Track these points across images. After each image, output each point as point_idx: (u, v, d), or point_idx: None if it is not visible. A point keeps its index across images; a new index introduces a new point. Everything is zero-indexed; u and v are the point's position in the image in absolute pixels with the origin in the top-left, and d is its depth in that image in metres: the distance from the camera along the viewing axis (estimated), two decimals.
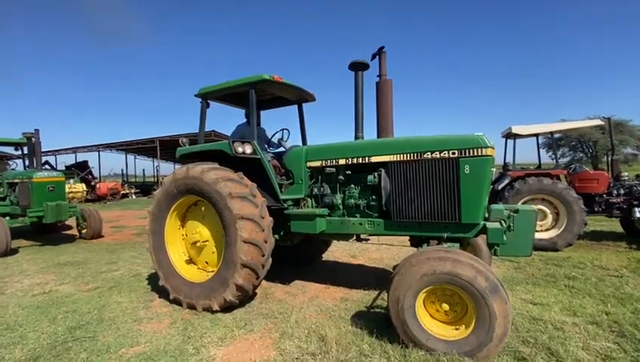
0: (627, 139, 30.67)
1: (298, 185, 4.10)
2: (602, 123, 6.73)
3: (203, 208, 3.95)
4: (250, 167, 3.94)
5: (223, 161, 3.93)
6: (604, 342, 2.77)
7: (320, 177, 4.06)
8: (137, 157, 34.76)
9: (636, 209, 6.06)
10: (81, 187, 18.73)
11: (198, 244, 3.88)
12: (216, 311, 3.59)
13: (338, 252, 6.24)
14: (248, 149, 3.86)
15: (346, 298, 4.01)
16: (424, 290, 2.68)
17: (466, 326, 2.60)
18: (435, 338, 2.63)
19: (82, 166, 23.79)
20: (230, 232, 3.43)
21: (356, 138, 4.06)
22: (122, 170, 32.50)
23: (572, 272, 4.61)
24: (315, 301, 3.96)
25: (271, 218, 3.75)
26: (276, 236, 4.17)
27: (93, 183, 22.15)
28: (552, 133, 6.92)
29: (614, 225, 7.89)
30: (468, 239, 3.49)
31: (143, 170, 38.16)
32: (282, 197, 3.97)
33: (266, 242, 3.53)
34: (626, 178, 6.45)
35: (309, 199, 4.13)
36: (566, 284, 4.17)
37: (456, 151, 3.19)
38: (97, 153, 28.33)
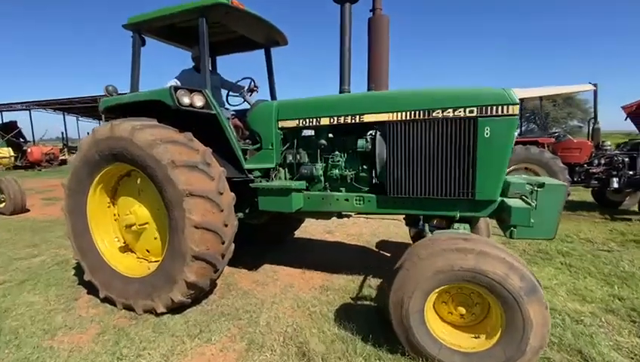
0: (574, 111, 32.49)
1: (267, 152, 3.22)
2: (594, 88, 6.43)
3: (139, 180, 2.97)
4: (202, 127, 2.97)
5: (163, 119, 2.91)
6: (634, 337, 2.38)
7: (295, 141, 3.21)
8: (80, 118, 30.86)
9: (614, 179, 5.94)
10: (8, 151, 16.13)
11: (134, 228, 2.94)
12: (162, 314, 2.78)
13: (312, 227, 5.56)
14: (198, 101, 2.85)
15: (326, 286, 3.36)
16: (436, 291, 2.05)
17: (488, 334, 2.04)
18: (448, 349, 2.05)
19: (9, 127, 20.49)
20: (175, 214, 2.53)
21: (341, 92, 3.20)
22: (62, 132, 28.80)
23: (563, 247, 4.32)
24: (289, 291, 3.27)
25: (232, 193, 2.89)
26: (240, 214, 3.33)
27: (24, 148, 19.24)
28: (541, 98, 6.52)
29: (584, 195, 7.96)
30: (478, 219, 2.91)
31: (87, 133, 34.24)
32: (247, 166, 3.09)
33: (225, 226, 2.69)
34: (609, 147, 6.30)
35: (281, 169, 3.29)
36: (562, 262, 3.85)
37: (474, 109, 2.48)
38: (29, 112, 24.53)
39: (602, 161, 6.17)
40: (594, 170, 6.15)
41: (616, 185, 5.91)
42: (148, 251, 3.09)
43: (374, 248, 4.55)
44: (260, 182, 3.16)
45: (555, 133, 6.91)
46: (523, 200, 2.54)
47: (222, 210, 2.64)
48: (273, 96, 4.15)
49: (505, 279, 1.87)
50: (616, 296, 3.02)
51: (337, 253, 4.42)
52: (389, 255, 4.29)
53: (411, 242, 4.15)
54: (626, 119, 6.37)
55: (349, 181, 3.00)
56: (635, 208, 6.14)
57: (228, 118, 3.52)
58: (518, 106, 2.44)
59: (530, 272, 1.93)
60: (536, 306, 1.86)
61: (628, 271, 3.56)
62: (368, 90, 3.17)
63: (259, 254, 4.25)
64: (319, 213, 3.26)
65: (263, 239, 4.57)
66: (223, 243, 2.67)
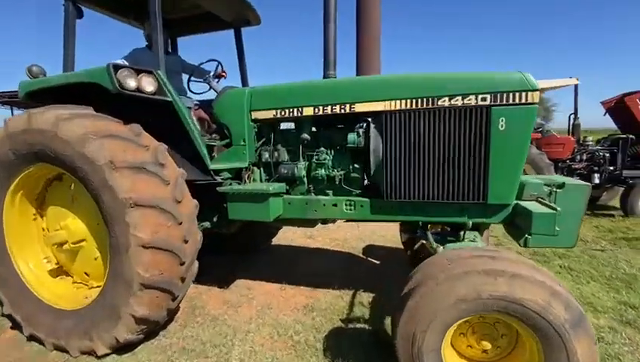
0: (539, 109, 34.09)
1: (238, 148, 2.67)
2: (577, 82, 6.34)
3: (72, 185, 2.33)
4: (156, 119, 2.37)
5: (104, 108, 2.28)
6: None
7: (272, 136, 2.69)
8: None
9: (595, 175, 5.90)
10: None
11: (66, 246, 2.30)
12: (105, 355, 2.18)
13: (290, 231, 5.04)
14: (148, 85, 2.24)
15: (310, 305, 2.87)
16: (457, 323, 1.63)
17: None
18: None
19: None
20: (116, 230, 1.94)
21: (325, 78, 2.71)
22: None
23: (557, 248, 4.10)
24: (267, 314, 2.76)
25: (194, 201, 2.33)
26: (206, 224, 2.78)
27: None
28: None
29: None
30: (487, 226, 2.55)
31: None
32: (213, 166, 2.53)
33: (185, 242, 2.13)
34: (590, 143, 6.28)
35: (255, 169, 2.76)
36: (561, 265, 3.62)
37: (487, 97, 2.08)
38: None
39: (584, 157, 6.13)
40: (576, 166, 6.09)
41: (597, 181, 5.87)
42: (87, 274, 2.46)
43: (362, 255, 4.12)
44: (230, 185, 2.62)
45: (539, 128, 6.83)
46: (541, 202, 2.18)
47: (180, 223, 2.08)
48: (245, 82, 3.59)
49: (546, 309, 1.47)
50: (627, 303, 2.78)
51: (321, 262, 3.94)
52: (378, 263, 3.87)
53: (402, 247, 3.77)
54: (605, 114, 6.39)
55: (337, 182, 2.53)
56: (612, 203, 6.16)
57: (190, 108, 2.94)
58: (538, 93, 2.06)
59: (574, 299, 1.55)
60: (584, 341, 1.48)
61: (629, 273, 3.37)
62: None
63: (230, 267, 3.70)
64: (302, 221, 2.76)
65: (235, 249, 4.00)
66: (183, 263, 2.12)
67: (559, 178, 2.39)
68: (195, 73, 3.21)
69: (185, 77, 3.29)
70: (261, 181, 2.77)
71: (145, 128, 2.25)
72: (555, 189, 2.17)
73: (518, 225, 2.23)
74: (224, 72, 3.22)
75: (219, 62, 3.19)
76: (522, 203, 2.18)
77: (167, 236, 1.99)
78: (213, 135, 2.84)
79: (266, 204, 2.41)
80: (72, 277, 2.55)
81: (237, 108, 2.66)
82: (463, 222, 2.33)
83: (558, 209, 1.99)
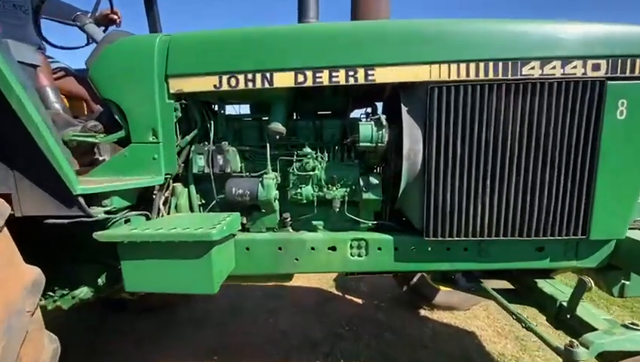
0: None
1: (143, 149, 1.39)
2: None
3: None
4: None
5: None
6: None
7: (212, 125, 1.48)
8: None
9: None
10: None
11: None
12: None
13: None
14: None
15: None
16: None
17: None
18: None
19: None
20: None
21: (301, 22, 1.61)
22: None
23: None
24: None
25: (34, 269, 0.99)
26: (81, 292, 1.44)
27: None
28: None
29: None
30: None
31: None
32: (85, 188, 1.18)
33: None
34: None
35: (179, 188, 1.51)
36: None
37: (601, 63, 1.23)
38: None
39: None
40: None
41: None
42: None
43: (334, 291, 3.08)
44: (128, 222, 1.33)
45: None
46: None
47: None
48: (154, 27, 2.16)
49: None
50: None
51: (280, 314, 2.76)
52: (360, 302, 2.89)
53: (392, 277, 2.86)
54: None
55: (335, 209, 1.44)
56: None
57: (34, 68, 1.53)
58: None
59: None
60: None
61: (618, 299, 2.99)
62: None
63: (136, 337, 2.31)
64: (275, 277, 1.59)
65: (139, 306, 2.58)
66: None
67: None
68: (59, 12, 1.76)
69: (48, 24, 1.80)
70: (191, 209, 1.52)
71: None
72: None
73: (612, 265, 1.46)
74: (115, 12, 1.83)
75: None
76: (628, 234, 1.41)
77: None
78: (92, 124, 1.47)
79: (207, 261, 1.20)
80: None
81: (139, 73, 1.38)
82: (542, 268, 1.47)
83: None
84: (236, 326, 2.51)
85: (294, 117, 1.61)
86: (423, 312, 2.71)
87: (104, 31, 1.81)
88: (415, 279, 2.63)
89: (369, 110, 1.64)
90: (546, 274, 1.61)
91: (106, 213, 1.25)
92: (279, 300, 2.91)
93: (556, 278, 1.66)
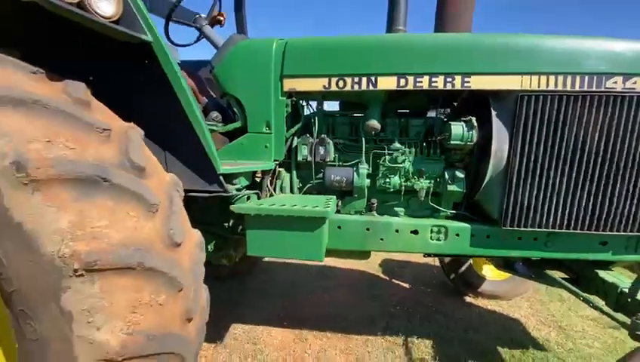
0: None
1: (257, 139, 1.64)
2: None
3: None
4: (119, 76, 1.23)
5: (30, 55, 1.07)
6: None
7: (316, 120, 1.72)
8: None
9: None
10: None
11: None
12: None
13: None
14: (105, 3, 1.09)
15: None
16: None
17: None
18: None
19: None
20: (42, 328, 0.83)
21: (389, 31, 1.80)
22: None
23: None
24: None
25: (198, 234, 1.27)
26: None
27: None
28: None
29: None
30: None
31: None
32: (223, 170, 1.44)
33: (189, 321, 1.08)
34: None
35: (283, 173, 1.76)
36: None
37: None
38: None
39: None
40: None
41: None
42: None
43: (381, 274, 3.32)
44: (249, 199, 1.59)
45: None
46: None
47: (180, 289, 1.02)
48: (242, 30, 2.39)
49: None
50: None
51: (341, 292, 3.01)
52: (407, 286, 3.11)
53: (439, 264, 3.07)
54: None
55: (421, 197, 1.64)
56: None
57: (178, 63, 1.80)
58: None
59: None
60: None
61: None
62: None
63: (224, 301, 2.63)
64: (358, 254, 1.83)
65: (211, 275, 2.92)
66: None
67: None
68: (178, 14, 2.02)
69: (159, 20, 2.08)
70: (292, 192, 1.78)
71: (96, 94, 1.11)
72: None
73: None
74: (222, 14, 2.08)
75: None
76: None
77: (155, 327, 0.93)
78: (215, 115, 1.73)
79: (319, 235, 1.44)
80: None
81: (258, 73, 1.62)
82: (604, 260, 1.63)
83: None
84: (297, 298, 2.80)
85: (391, 114, 1.81)
86: (467, 299, 2.90)
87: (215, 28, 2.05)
88: (463, 268, 2.81)
89: (448, 110, 1.82)
90: (606, 265, 1.76)
91: (236, 190, 1.52)
92: (331, 280, 3.18)
93: (614, 270, 1.81)
